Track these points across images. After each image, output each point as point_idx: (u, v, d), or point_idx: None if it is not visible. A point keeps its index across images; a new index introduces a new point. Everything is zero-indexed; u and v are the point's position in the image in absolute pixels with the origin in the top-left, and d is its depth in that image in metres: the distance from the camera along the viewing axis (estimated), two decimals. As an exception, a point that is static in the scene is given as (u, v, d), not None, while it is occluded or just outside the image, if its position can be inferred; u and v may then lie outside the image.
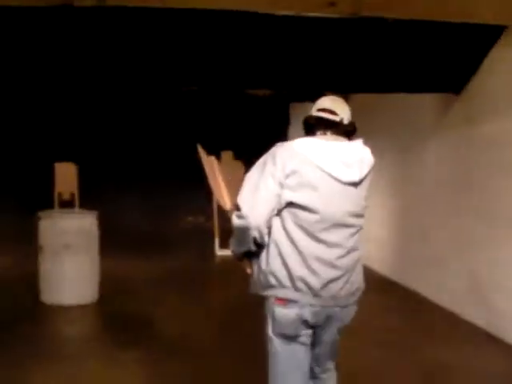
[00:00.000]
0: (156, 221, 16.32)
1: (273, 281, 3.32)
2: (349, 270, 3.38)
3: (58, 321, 7.59)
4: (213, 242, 12.46)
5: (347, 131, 3.46)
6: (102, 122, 16.27)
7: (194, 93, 11.18)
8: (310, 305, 3.30)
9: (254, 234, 3.26)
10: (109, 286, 8.57)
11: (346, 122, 3.45)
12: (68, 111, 16.08)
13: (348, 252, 3.36)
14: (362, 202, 3.45)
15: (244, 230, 3.29)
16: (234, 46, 6.82)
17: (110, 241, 11.66)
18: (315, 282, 3.27)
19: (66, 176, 16.07)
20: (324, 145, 3.34)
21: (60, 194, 16.27)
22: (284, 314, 3.32)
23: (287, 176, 3.23)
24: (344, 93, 10.75)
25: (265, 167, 3.30)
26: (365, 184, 3.45)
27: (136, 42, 6.57)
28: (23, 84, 10.91)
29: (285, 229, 3.29)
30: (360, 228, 3.45)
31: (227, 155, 12.39)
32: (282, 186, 3.24)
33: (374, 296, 8.40)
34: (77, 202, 16.13)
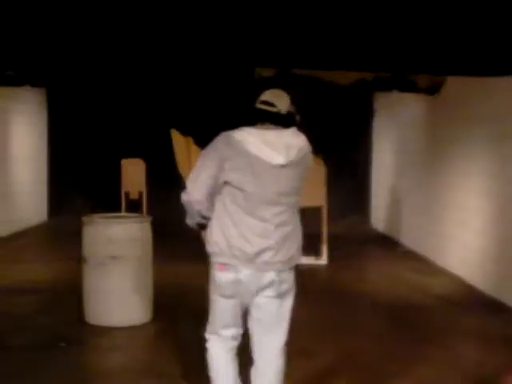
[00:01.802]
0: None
1: (215, 249, 3.97)
2: (279, 242, 3.94)
3: (101, 346, 6.47)
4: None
5: (285, 121, 3.98)
6: (170, 116, 15.24)
7: (270, 80, 10.02)
8: (246, 269, 3.91)
9: (197, 207, 3.96)
10: (164, 302, 7.41)
11: (283, 112, 3.98)
12: (137, 105, 15.21)
13: (277, 226, 3.93)
14: (292, 183, 3.97)
15: (188, 204, 4.01)
16: (318, 22, 6.57)
17: (170, 247, 10.55)
18: (250, 250, 3.88)
19: (133, 174, 15.16)
20: (256, 133, 3.91)
21: (127, 194, 15.40)
22: (223, 277, 3.95)
23: (224, 160, 3.86)
24: (439, 75, 9.47)
25: (209, 152, 3.97)
26: (297, 167, 3.96)
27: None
28: (92, 78, 10.36)
29: (224, 205, 3.93)
30: (291, 206, 4.01)
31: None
32: (220, 168, 3.87)
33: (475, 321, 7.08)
34: (144, 202, 15.26)
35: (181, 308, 7.58)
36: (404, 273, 10.23)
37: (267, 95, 4.04)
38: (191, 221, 4.09)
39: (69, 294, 7.83)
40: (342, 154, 15.66)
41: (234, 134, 3.90)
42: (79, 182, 15.72)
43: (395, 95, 13.09)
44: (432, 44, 6.78)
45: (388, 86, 11.54)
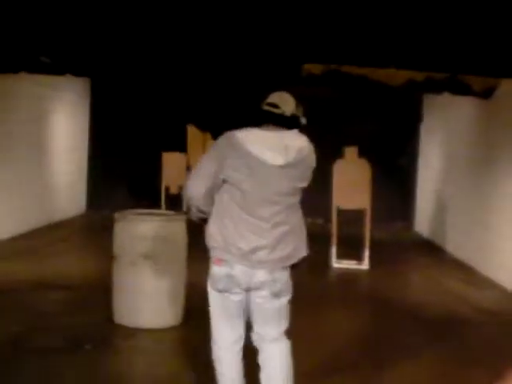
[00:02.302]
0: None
1: (212, 243, 4.05)
2: (274, 241, 3.98)
3: (130, 349, 6.16)
4: (329, 251, 10.76)
5: (288, 123, 4.08)
6: (213, 111, 15.00)
7: (318, 78, 9.69)
8: (239, 265, 3.96)
9: (196, 203, 4.07)
10: (197, 305, 6.99)
11: (287, 114, 4.08)
12: (180, 97, 14.97)
13: (275, 225, 3.98)
14: (291, 183, 4.02)
15: (187, 199, 4.18)
16: (371, 18, 6.34)
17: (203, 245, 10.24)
18: (244, 247, 3.94)
19: (174, 167, 14.86)
20: (258, 133, 4.02)
21: (167, 188, 15.12)
22: (218, 271, 4.02)
23: (225, 158, 3.96)
24: (494, 77, 9.03)
25: (211, 151, 4.14)
26: (296, 168, 4.00)
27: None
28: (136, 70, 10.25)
29: (222, 202, 4.02)
30: (290, 205, 4.06)
31: (351, 152, 10.65)
32: (220, 166, 3.96)
33: None
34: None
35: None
36: (449, 283, 9.78)
37: (273, 97, 4.19)
38: (192, 214, 4.24)
39: (99, 292, 7.54)
40: (388, 156, 15.26)
41: (236, 134, 4.01)
42: (119, 174, 15.52)
43: (446, 98, 12.64)
44: (488, 45, 6.42)
45: (439, 88, 11.08)
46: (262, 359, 4.22)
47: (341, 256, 10.59)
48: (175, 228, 6.72)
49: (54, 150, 13.72)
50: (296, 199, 4.11)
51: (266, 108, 4.14)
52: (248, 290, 4.07)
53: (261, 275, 4.00)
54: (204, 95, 14.66)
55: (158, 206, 14.61)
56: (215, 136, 4.37)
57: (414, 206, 15.78)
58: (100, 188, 15.70)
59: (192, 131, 14.54)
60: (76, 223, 14.43)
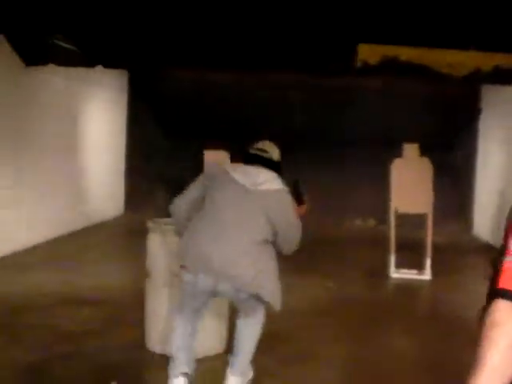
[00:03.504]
0: (314, 223, 13.99)
1: (179, 252, 4.65)
2: (235, 256, 4.36)
3: (160, 381, 5.29)
4: (386, 259, 9.82)
5: (273, 166, 4.74)
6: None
7: (374, 68, 8.80)
8: (202, 274, 4.42)
9: (176, 217, 4.81)
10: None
11: (275, 159, 4.80)
12: (220, 94, 14.19)
13: (237, 243, 4.38)
14: (255, 211, 4.43)
15: (171, 214, 4.85)
16: None
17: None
18: (206, 258, 4.38)
19: (216, 167, 14.01)
20: (238, 166, 4.72)
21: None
22: (185, 276, 4.53)
23: (206, 181, 4.67)
24: None
25: (198, 178, 4.78)
26: (262, 199, 4.46)
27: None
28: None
29: (194, 217, 4.59)
30: (256, 239, 4.42)
31: (412, 150, 9.63)
32: (204, 187, 4.63)
33: None
34: (227, 198, 14.14)
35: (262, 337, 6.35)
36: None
37: (261, 144, 4.85)
38: (176, 228, 4.97)
39: (134, 310, 6.64)
40: (442, 154, 14.27)
41: (222, 166, 4.75)
42: (159, 174, 14.79)
43: (508, 90, 11.66)
44: None
45: (507, 79, 10.09)
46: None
47: (400, 265, 9.61)
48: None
49: (89, 149, 13.00)
50: (263, 237, 4.44)
51: (255, 152, 4.76)
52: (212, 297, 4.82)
53: (223, 286, 4.48)
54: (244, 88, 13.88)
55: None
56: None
57: (472, 207, 14.76)
58: (139, 188, 14.98)
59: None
60: (113, 226, 13.69)
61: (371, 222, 14.77)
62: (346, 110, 14.22)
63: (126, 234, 12.89)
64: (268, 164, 4.68)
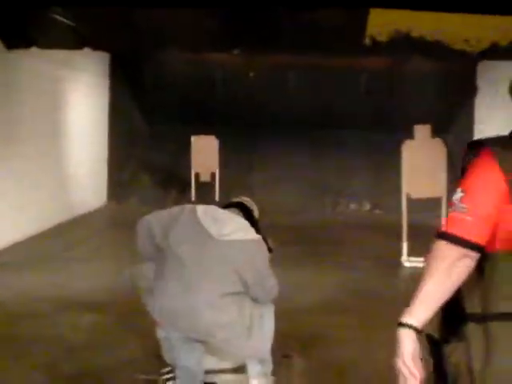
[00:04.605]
0: (307, 206, 13.47)
1: (148, 308, 4.14)
2: (200, 310, 3.95)
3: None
4: (391, 245, 9.38)
5: (253, 221, 4.38)
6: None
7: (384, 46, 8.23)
8: (173, 332, 4.07)
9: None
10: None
11: (255, 215, 4.53)
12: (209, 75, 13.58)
13: (203, 296, 3.95)
14: (219, 263, 3.99)
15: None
16: None
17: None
18: (171, 315, 4.03)
19: (205, 152, 13.37)
20: (210, 208, 4.29)
21: (197, 175, 13.61)
22: (158, 332, 4.17)
23: (159, 238, 4.21)
24: None
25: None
26: (228, 249, 4.02)
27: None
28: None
29: (157, 272, 4.17)
30: (232, 293, 4.00)
31: (424, 130, 9.05)
32: (157, 249, 4.24)
33: None
34: (217, 185, 13.50)
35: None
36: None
37: (244, 198, 4.66)
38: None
39: (135, 315, 5.88)
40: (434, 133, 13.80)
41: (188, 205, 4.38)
42: (143, 161, 14.17)
43: (503, 65, 11.16)
44: None
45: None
46: None
47: (413, 253, 9.00)
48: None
49: (71, 135, 12.27)
50: (234, 288, 4.02)
51: (239, 199, 4.59)
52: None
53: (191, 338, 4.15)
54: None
55: (187, 195, 13.28)
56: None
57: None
58: (122, 177, 14.32)
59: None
60: (98, 218, 12.97)
61: (366, 206, 14.24)
62: (341, 92, 13.68)
63: (112, 227, 12.17)
64: (247, 213, 4.44)
